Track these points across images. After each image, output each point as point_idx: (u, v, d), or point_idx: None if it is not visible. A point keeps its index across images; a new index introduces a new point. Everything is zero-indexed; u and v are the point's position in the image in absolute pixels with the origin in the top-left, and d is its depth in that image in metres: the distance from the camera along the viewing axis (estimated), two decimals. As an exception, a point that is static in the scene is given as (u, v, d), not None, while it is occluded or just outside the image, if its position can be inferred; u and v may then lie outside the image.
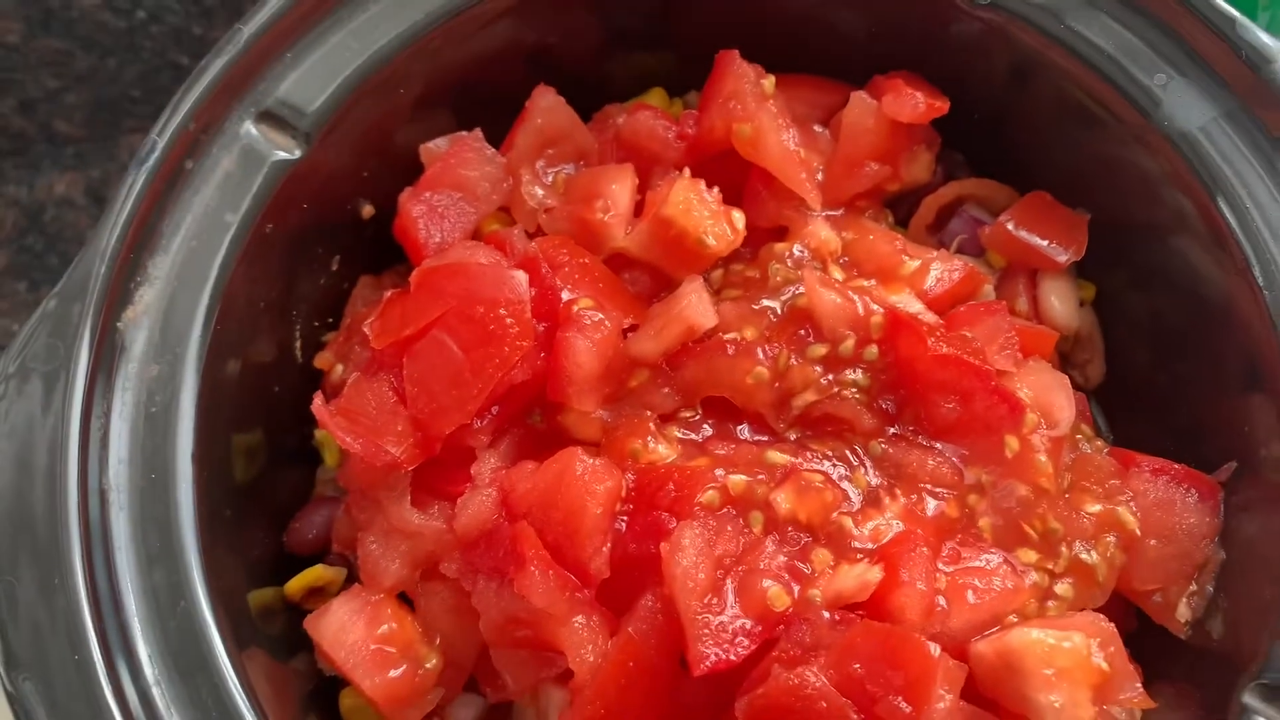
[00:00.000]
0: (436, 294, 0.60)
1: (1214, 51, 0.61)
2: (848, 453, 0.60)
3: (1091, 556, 0.59)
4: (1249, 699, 0.54)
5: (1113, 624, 0.56)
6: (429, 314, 0.59)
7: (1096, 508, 0.61)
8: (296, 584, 0.64)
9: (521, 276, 0.60)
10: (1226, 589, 0.60)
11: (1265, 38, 0.60)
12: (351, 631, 0.59)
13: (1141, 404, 0.71)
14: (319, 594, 0.65)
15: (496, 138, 0.70)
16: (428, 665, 0.60)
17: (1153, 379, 0.70)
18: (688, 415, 0.62)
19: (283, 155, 0.62)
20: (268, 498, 0.66)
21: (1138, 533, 0.61)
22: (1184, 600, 0.61)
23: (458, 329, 0.59)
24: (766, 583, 0.55)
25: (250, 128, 0.61)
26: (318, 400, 0.60)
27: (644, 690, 0.55)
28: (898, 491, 0.59)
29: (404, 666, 0.59)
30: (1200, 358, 0.65)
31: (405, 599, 0.62)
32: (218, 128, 0.61)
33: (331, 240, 0.69)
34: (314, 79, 0.63)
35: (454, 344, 0.59)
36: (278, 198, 0.61)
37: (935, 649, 0.52)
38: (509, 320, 0.59)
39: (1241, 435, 0.62)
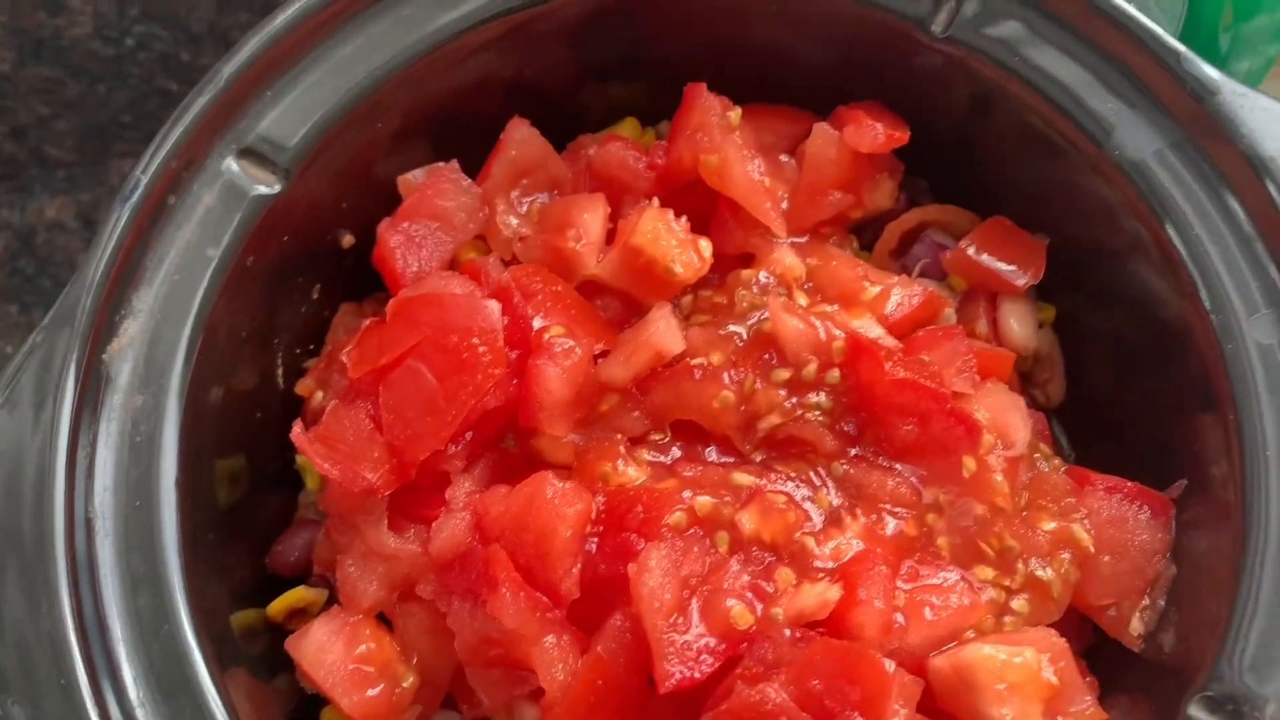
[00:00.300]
0: (411, 324, 0.61)
1: (1161, 84, 0.62)
2: (811, 474, 0.62)
3: (1047, 573, 0.61)
4: (1194, 710, 0.56)
5: (1064, 639, 0.58)
6: (404, 343, 0.61)
7: (1052, 525, 0.62)
8: (279, 605, 0.66)
9: (494, 306, 0.61)
10: (1177, 603, 0.62)
11: (1210, 71, 0.61)
12: (331, 651, 0.60)
13: (1104, 423, 0.72)
14: (301, 615, 0.66)
15: (473, 168, 0.71)
16: (405, 684, 0.61)
17: (1114, 398, 0.71)
18: (657, 438, 0.63)
19: (263, 190, 0.63)
20: (250, 521, 0.67)
21: (1092, 549, 0.62)
22: (1137, 614, 0.62)
23: (432, 358, 0.60)
24: (730, 602, 0.56)
25: (231, 164, 0.62)
26: (297, 428, 0.62)
27: (613, 707, 0.56)
28: (858, 511, 0.61)
29: (382, 685, 0.60)
30: (1157, 378, 0.67)
31: (384, 620, 0.63)
32: (199, 165, 0.62)
33: (312, 270, 0.70)
34: (293, 115, 0.64)
35: (429, 372, 0.60)
36: (258, 231, 0.63)
37: (890, 665, 0.53)
38: (482, 349, 0.60)
39: (1194, 453, 0.63)
